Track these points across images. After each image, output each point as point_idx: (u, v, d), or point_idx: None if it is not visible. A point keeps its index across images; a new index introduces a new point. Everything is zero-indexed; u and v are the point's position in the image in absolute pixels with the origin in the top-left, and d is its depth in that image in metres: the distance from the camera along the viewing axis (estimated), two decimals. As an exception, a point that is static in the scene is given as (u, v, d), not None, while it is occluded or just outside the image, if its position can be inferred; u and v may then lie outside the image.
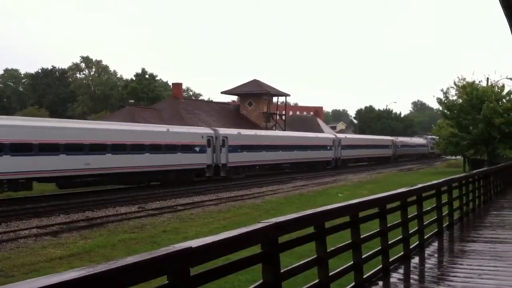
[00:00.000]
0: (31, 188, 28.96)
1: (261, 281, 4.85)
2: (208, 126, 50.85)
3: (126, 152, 33.30)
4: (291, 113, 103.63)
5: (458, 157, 62.22)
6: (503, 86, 45.71)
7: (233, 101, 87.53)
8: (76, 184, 31.41)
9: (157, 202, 28.40)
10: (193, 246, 3.74)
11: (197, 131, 41.25)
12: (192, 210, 24.93)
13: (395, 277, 8.20)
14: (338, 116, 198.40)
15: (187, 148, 38.45)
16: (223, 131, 43.89)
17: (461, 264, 9.16)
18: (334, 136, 64.10)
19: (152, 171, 35.79)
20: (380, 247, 8.28)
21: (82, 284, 2.79)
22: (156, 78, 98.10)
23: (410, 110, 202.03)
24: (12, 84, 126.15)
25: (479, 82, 46.44)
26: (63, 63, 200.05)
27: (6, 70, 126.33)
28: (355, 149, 67.37)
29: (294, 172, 52.75)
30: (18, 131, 27.51)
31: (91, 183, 32.48)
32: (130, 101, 72.21)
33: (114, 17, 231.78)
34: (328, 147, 60.72)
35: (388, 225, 8.60)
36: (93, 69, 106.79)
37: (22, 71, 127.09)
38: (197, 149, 39.52)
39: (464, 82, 45.66)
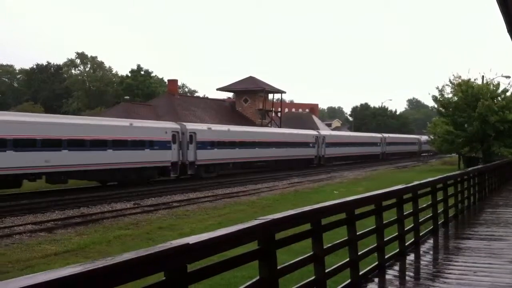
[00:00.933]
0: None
1: (258, 277, 4.85)
2: (203, 122, 50.81)
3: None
4: (286, 110, 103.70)
5: (453, 154, 62.36)
6: (498, 84, 45.89)
7: (229, 97, 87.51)
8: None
9: (153, 198, 28.39)
10: (190, 242, 3.73)
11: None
12: (187, 207, 24.92)
13: (391, 274, 8.22)
14: (334, 113, 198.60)
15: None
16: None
17: (456, 261, 9.18)
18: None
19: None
20: (376, 244, 8.29)
21: (79, 280, 2.79)
22: (152, 75, 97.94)
23: (405, 108, 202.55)
24: (7, 80, 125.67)
25: (475, 80, 46.57)
26: (58, 59, 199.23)
27: (0, 66, 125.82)
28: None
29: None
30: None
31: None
32: (125, 97, 72.09)
33: (110, 14, 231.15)
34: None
35: (384, 222, 8.62)
36: (88, 65, 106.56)
37: (17, 67, 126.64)
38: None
39: (460, 80, 45.73)
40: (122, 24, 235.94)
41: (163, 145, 37.15)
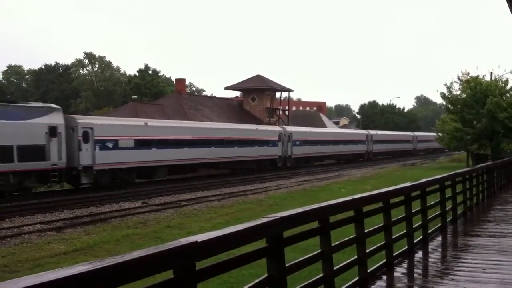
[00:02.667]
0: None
1: (266, 275, 4.87)
2: (211, 121, 50.88)
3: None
4: (294, 108, 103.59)
5: (461, 151, 62.07)
6: (507, 80, 45.60)
7: (236, 96, 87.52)
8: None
9: (161, 197, 28.48)
10: (198, 240, 3.75)
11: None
12: (195, 206, 24.97)
13: (399, 271, 8.21)
14: (341, 111, 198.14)
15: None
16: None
17: (465, 259, 9.16)
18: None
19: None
20: (384, 242, 8.28)
21: (89, 278, 2.81)
22: (159, 74, 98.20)
23: (413, 105, 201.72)
24: (15, 80, 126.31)
25: (483, 76, 46.32)
26: (67, 59, 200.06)
27: (9, 67, 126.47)
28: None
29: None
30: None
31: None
32: (133, 96, 72.35)
33: (117, 14, 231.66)
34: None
35: (392, 220, 8.60)
36: (96, 65, 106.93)
37: (26, 67, 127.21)
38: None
39: (468, 77, 45.50)
40: (129, 24, 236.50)
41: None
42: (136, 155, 34.50)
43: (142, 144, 35.18)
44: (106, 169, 32.43)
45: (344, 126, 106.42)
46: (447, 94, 46.62)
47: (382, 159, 71.93)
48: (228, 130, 45.15)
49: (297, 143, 53.32)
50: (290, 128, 54.97)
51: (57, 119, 29.80)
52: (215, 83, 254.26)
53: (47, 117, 29.42)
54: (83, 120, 33.24)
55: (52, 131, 29.12)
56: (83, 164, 30.89)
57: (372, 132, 74.51)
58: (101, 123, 33.78)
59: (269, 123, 62.22)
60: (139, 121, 37.90)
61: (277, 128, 54.27)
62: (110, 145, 32.97)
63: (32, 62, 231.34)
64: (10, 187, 27.52)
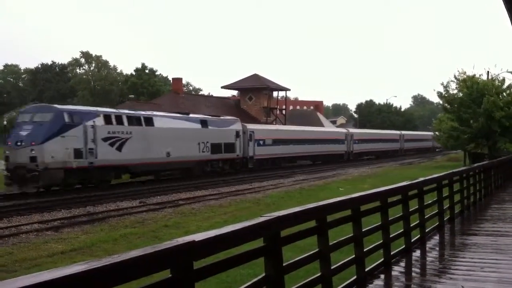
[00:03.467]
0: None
1: (263, 274, 4.87)
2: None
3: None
4: (291, 107, 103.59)
5: (458, 151, 62.16)
6: (503, 79, 45.64)
7: (233, 95, 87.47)
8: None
9: (158, 196, 28.41)
10: (196, 240, 3.74)
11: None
12: (193, 205, 24.94)
13: (397, 270, 8.22)
14: (338, 110, 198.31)
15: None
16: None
17: (462, 257, 9.17)
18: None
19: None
20: (381, 241, 8.29)
21: (85, 278, 2.80)
22: (156, 73, 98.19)
23: (410, 104, 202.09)
24: (12, 79, 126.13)
25: (480, 75, 46.38)
26: (63, 59, 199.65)
27: (6, 66, 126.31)
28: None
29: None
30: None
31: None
32: (130, 96, 72.26)
33: (114, 13, 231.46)
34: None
35: (390, 219, 8.61)
36: (93, 64, 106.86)
37: (22, 66, 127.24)
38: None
39: (465, 76, 45.54)
40: (126, 23, 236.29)
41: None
42: (273, 149, 50.89)
43: (276, 142, 51.31)
44: (260, 158, 48.64)
45: (341, 125, 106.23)
46: (444, 93, 46.66)
47: (382, 159, 71.75)
48: (312, 132, 60.90)
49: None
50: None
51: (239, 126, 45.64)
52: (212, 82, 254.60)
53: (234, 125, 45.17)
54: (250, 126, 48.35)
55: (237, 134, 44.93)
56: (250, 155, 47.06)
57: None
58: (257, 128, 50.27)
59: (266, 122, 62.27)
60: (274, 127, 58.09)
61: (343, 130, 70.86)
62: (261, 142, 48.94)
63: (28, 61, 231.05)
64: (219, 169, 42.96)
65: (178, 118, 39.40)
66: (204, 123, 41.25)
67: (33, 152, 27.92)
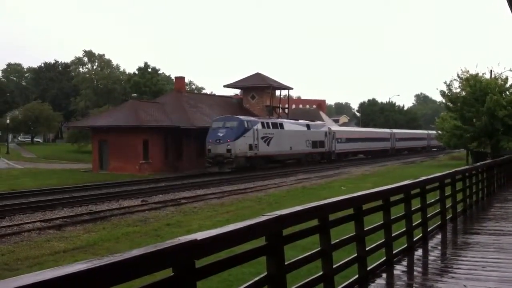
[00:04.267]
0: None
1: (265, 273, 4.86)
2: (211, 119, 50.85)
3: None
4: (294, 106, 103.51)
5: (461, 149, 62.06)
6: (506, 78, 45.57)
7: (236, 94, 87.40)
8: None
9: (160, 195, 28.45)
10: (198, 238, 3.74)
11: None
12: (195, 204, 24.97)
13: (399, 269, 8.20)
14: (341, 109, 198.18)
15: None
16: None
17: (464, 256, 9.15)
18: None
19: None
20: (383, 240, 8.27)
21: (88, 276, 2.80)
22: (159, 72, 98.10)
23: (413, 103, 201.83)
24: (15, 78, 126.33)
25: (483, 74, 46.28)
26: (66, 58, 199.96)
27: (9, 65, 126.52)
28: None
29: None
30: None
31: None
32: (133, 95, 72.19)
33: (117, 12, 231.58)
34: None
35: (392, 218, 8.59)
36: (96, 63, 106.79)
37: (25, 65, 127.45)
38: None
39: (468, 75, 45.47)
40: (129, 22, 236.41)
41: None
42: (347, 146, 66.10)
43: (348, 140, 66.40)
44: (339, 152, 63.89)
45: (343, 124, 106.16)
46: (446, 92, 46.60)
47: (381, 159, 71.64)
48: (368, 132, 77.13)
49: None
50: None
51: (326, 128, 62.24)
52: (215, 81, 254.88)
53: (324, 128, 62.04)
54: (333, 128, 65.94)
55: (326, 134, 60.93)
56: (332, 150, 62.26)
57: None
58: (337, 130, 67.40)
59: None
60: (348, 129, 78.26)
61: (387, 130, 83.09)
62: (339, 140, 64.16)
63: (31, 60, 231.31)
64: (314, 160, 57.51)
65: (294, 123, 56.27)
66: (308, 126, 57.83)
67: (228, 146, 43.60)
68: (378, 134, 78.01)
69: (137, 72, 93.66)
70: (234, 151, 43.50)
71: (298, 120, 58.65)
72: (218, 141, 43.93)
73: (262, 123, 48.44)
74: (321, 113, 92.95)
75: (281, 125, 52.39)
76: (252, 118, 48.75)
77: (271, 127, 49.71)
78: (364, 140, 71.48)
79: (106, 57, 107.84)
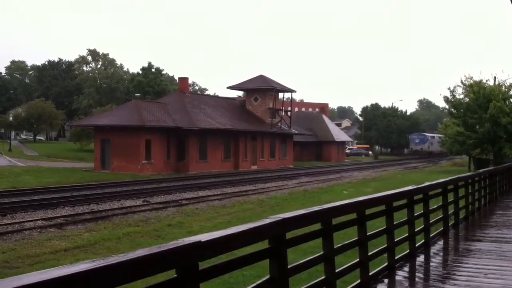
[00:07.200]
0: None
1: (268, 276, 4.85)
2: (213, 120, 50.85)
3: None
4: (296, 109, 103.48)
5: (463, 156, 61.95)
6: (510, 85, 45.52)
7: (239, 96, 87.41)
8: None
9: (162, 196, 28.44)
10: (202, 240, 3.73)
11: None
12: (196, 205, 24.95)
13: (401, 275, 8.18)
14: (344, 113, 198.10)
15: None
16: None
17: (466, 263, 9.12)
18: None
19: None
20: (386, 245, 8.25)
21: (92, 276, 2.79)
22: (162, 72, 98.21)
23: (416, 108, 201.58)
24: (18, 76, 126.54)
25: (486, 81, 46.25)
26: (70, 56, 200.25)
27: (12, 62, 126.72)
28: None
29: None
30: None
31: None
32: (136, 94, 72.20)
33: (122, 12, 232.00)
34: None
35: (394, 223, 8.57)
36: (100, 62, 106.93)
37: (29, 63, 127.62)
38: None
39: (471, 81, 45.44)
40: (133, 22, 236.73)
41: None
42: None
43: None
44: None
45: (345, 128, 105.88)
46: (450, 98, 46.56)
47: (384, 162, 71.46)
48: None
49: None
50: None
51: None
52: (218, 82, 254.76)
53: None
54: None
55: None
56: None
57: None
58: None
59: (271, 124, 62.24)
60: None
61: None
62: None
63: (35, 58, 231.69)
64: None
65: None
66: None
67: None
68: None
69: (140, 72, 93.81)
70: None
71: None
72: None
73: None
74: (324, 116, 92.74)
75: None
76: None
77: None
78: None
79: (110, 56, 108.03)
